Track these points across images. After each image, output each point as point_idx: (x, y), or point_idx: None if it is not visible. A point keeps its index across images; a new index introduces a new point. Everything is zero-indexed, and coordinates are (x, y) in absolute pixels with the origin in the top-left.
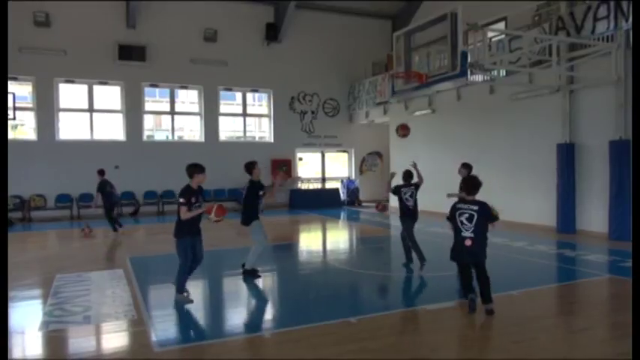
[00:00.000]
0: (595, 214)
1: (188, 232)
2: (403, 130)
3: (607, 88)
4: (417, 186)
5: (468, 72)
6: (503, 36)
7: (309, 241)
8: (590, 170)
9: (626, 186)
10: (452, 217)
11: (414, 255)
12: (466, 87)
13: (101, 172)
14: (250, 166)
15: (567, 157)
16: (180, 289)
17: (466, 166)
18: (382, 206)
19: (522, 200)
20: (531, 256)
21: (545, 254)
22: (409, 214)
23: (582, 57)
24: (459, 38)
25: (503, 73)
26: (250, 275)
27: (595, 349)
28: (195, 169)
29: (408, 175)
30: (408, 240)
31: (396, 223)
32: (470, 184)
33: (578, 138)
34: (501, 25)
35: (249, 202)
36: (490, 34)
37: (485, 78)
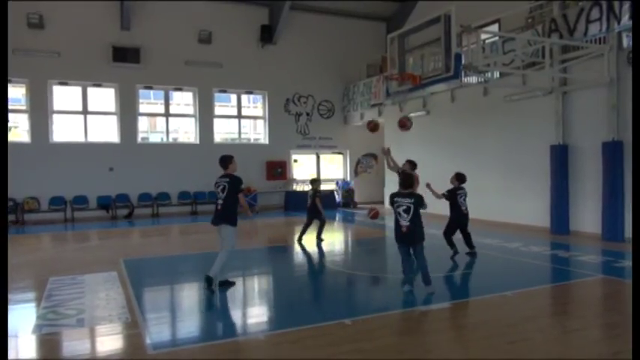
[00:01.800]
0: (588, 215)
1: None
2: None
3: (599, 90)
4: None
5: (462, 74)
6: (496, 38)
7: (305, 242)
8: (583, 171)
9: (619, 187)
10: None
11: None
12: (460, 89)
13: None
14: (227, 160)
15: (560, 158)
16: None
17: (411, 163)
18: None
19: (516, 201)
20: (525, 257)
21: (539, 255)
22: None
23: (575, 59)
24: (453, 40)
25: (496, 74)
26: (225, 286)
27: (589, 349)
28: (414, 179)
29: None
30: None
31: (390, 224)
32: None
33: (571, 139)
34: (495, 27)
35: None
36: (484, 36)
37: (479, 80)
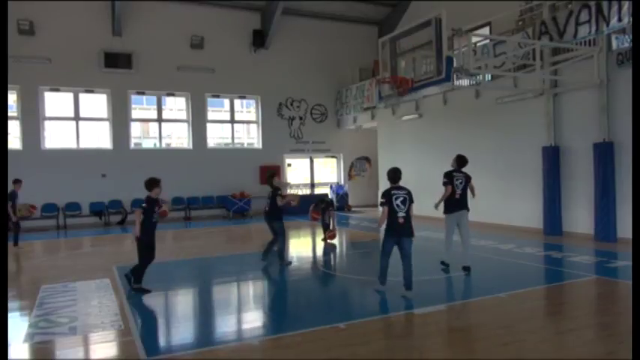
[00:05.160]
0: (581, 216)
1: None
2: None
3: (590, 91)
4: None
5: (454, 77)
6: (487, 41)
7: (298, 247)
8: (575, 172)
9: (610, 187)
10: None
11: None
12: (452, 91)
13: (18, 182)
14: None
15: (552, 159)
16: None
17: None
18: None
19: (509, 203)
20: (519, 258)
21: (532, 256)
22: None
23: (565, 61)
24: (444, 43)
25: (488, 77)
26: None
27: (582, 349)
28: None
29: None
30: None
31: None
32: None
33: (562, 140)
34: (486, 30)
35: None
36: (475, 39)
37: (471, 82)
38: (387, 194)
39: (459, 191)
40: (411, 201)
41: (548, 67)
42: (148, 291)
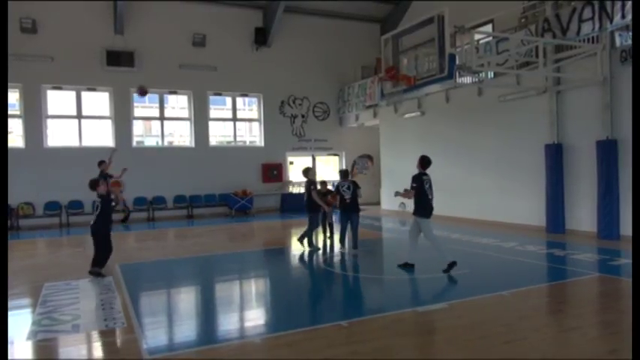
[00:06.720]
0: (584, 214)
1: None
2: None
3: (593, 89)
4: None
5: (456, 74)
6: (490, 38)
7: (301, 245)
8: (578, 170)
9: (614, 185)
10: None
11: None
12: (455, 89)
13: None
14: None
15: (555, 157)
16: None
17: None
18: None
19: (512, 201)
20: (521, 256)
21: (535, 254)
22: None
23: (568, 58)
24: (447, 41)
25: (491, 74)
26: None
27: (585, 347)
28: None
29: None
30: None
31: (387, 225)
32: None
33: (565, 138)
34: (488, 28)
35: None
36: (477, 37)
37: (474, 80)
38: (336, 187)
39: (430, 195)
40: (356, 187)
41: (551, 65)
42: (104, 275)
